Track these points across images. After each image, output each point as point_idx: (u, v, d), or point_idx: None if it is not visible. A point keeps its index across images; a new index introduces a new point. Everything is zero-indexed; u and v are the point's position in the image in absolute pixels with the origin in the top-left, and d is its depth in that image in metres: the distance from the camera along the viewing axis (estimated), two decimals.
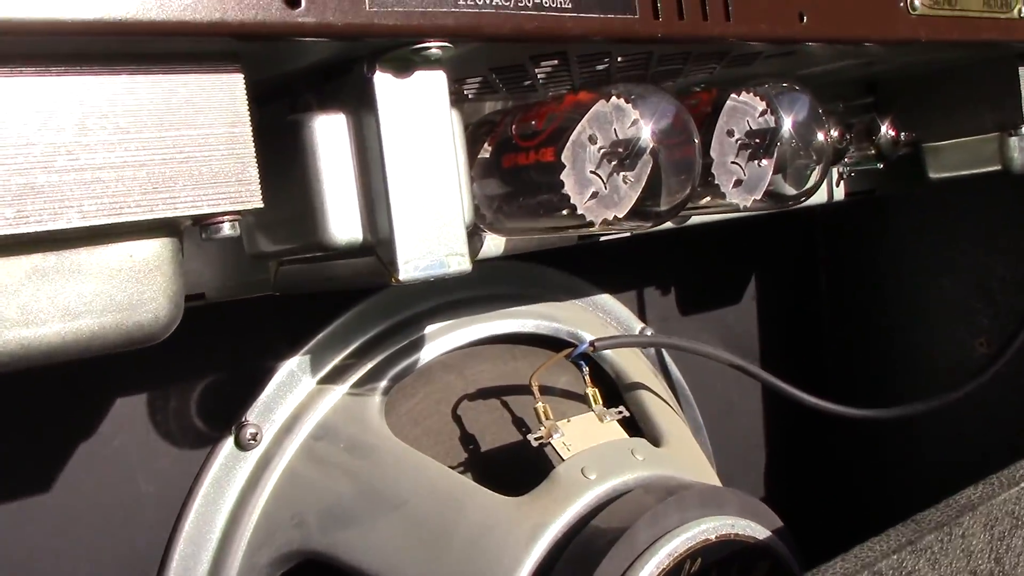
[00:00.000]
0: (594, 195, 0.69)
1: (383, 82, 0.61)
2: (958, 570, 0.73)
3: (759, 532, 0.83)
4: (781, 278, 1.46)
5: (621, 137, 0.69)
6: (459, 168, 0.66)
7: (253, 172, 0.55)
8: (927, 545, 0.71)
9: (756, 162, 0.80)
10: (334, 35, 0.55)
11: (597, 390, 0.91)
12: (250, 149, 0.55)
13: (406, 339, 0.98)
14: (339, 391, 0.95)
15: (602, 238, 1.04)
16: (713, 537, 0.80)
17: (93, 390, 0.88)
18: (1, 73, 0.48)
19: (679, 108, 0.73)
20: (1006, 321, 1.29)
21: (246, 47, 0.54)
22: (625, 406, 0.94)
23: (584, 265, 1.17)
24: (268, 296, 0.81)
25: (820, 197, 1.16)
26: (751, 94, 0.80)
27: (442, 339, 0.99)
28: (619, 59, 0.76)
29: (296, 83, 0.67)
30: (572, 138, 0.68)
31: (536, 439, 0.85)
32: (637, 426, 1.00)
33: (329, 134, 0.63)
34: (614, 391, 1.05)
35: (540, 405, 0.87)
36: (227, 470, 0.92)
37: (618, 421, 0.90)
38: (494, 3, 0.60)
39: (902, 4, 0.83)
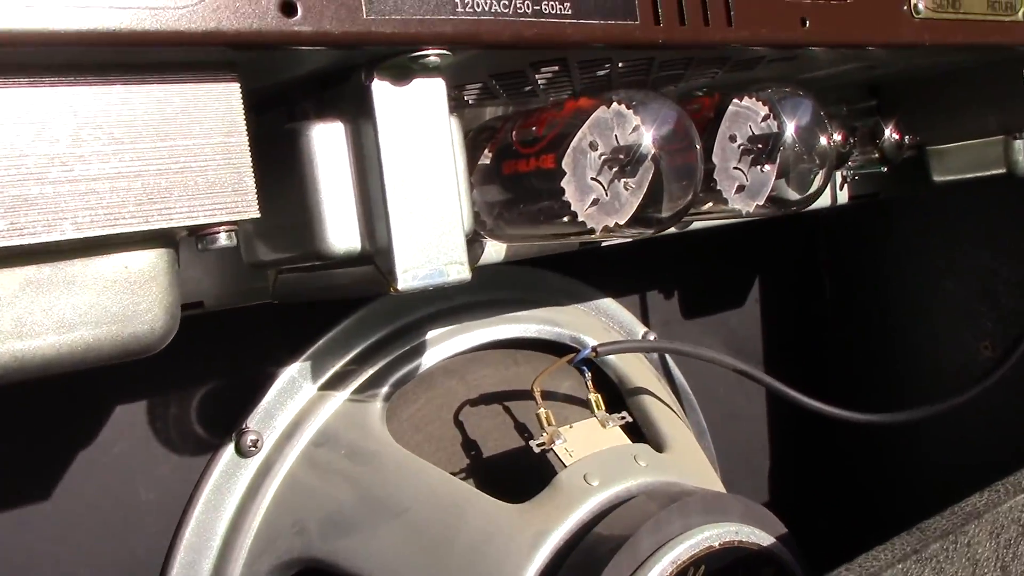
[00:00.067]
0: (595, 202, 0.69)
1: (381, 90, 0.60)
2: None
3: (763, 539, 0.82)
4: (784, 281, 1.46)
5: (622, 143, 0.69)
6: (458, 176, 0.65)
7: (249, 182, 0.54)
8: (932, 554, 0.71)
9: (759, 167, 0.80)
10: (331, 43, 0.54)
11: (600, 395, 0.91)
12: (246, 159, 0.54)
13: (407, 344, 0.98)
14: (340, 397, 0.95)
15: (604, 243, 1.04)
16: (717, 544, 0.79)
17: (93, 397, 0.88)
18: None
19: (680, 114, 0.72)
20: (1010, 324, 1.28)
21: (242, 56, 0.54)
22: (628, 411, 0.93)
23: (586, 269, 1.16)
24: (268, 303, 0.81)
25: (823, 201, 1.16)
26: (753, 99, 0.79)
27: (444, 344, 0.98)
28: (620, 65, 0.76)
29: (293, 91, 0.66)
30: (573, 144, 0.68)
31: (538, 445, 0.85)
32: (640, 431, 0.99)
33: (327, 143, 0.62)
34: (617, 396, 1.04)
35: (542, 411, 0.86)
36: (227, 477, 0.92)
37: (621, 427, 0.90)
38: (493, 10, 0.59)
39: (905, 8, 0.83)
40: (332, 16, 0.53)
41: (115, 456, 0.89)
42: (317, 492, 0.90)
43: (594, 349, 0.91)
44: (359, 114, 0.62)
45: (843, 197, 1.19)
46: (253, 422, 0.93)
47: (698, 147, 0.73)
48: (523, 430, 0.95)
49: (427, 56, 0.59)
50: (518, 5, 0.60)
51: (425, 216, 0.62)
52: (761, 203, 0.80)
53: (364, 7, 0.54)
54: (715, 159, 0.78)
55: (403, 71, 0.61)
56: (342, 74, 0.62)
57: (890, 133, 1.12)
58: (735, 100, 0.79)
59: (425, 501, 0.85)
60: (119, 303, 0.53)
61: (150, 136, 0.51)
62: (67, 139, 0.49)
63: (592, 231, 0.69)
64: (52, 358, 0.51)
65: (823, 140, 0.85)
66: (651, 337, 1.23)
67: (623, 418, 0.90)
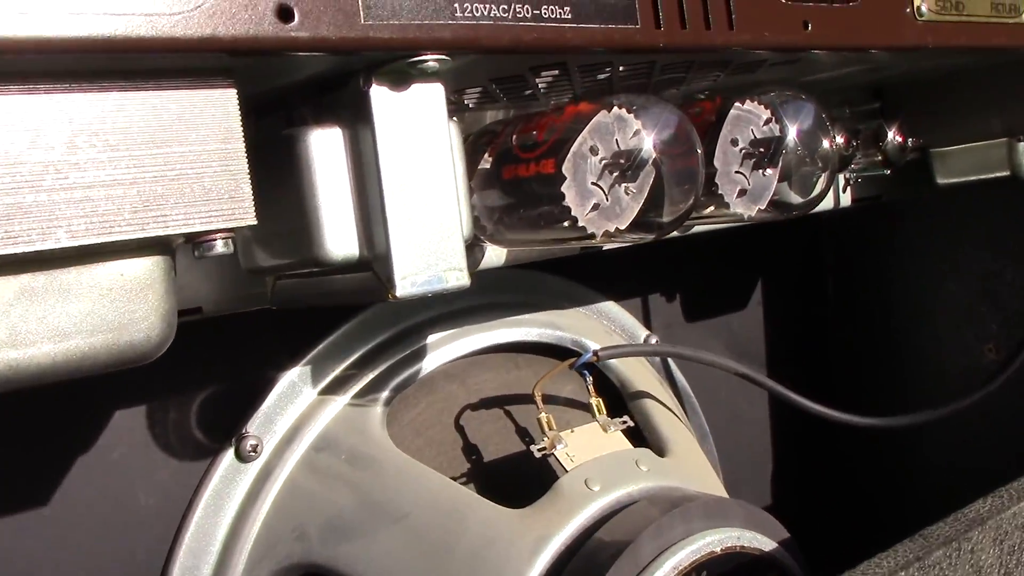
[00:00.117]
0: (595, 207, 0.68)
1: (379, 95, 0.60)
2: None
3: (765, 544, 0.82)
4: (787, 284, 1.45)
5: (623, 148, 0.68)
6: (457, 182, 0.65)
7: (246, 189, 0.54)
8: (935, 561, 0.70)
9: (760, 171, 0.79)
10: (328, 49, 0.54)
11: (601, 399, 0.90)
12: (243, 165, 0.54)
13: (408, 349, 0.97)
14: (340, 402, 0.94)
15: (605, 247, 1.03)
16: (718, 550, 0.79)
17: (92, 402, 0.88)
18: None
19: (681, 118, 0.72)
20: (1014, 326, 1.28)
21: (239, 62, 0.53)
22: (630, 415, 0.93)
23: (588, 272, 1.16)
24: (267, 308, 0.80)
25: (826, 204, 1.15)
26: (755, 102, 0.79)
27: (445, 348, 0.98)
28: (621, 69, 0.75)
29: (292, 96, 0.66)
30: (573, 149, 0.67)
31: (539, 450, 0.84)
32: (642, 435, 0.99)
33: (325, 148, 0.62)
34: (619, 399, 1.04)
35: (543, 415, 0.86)
36: (227, 482, 0.92)
37: (622, 431, 0.89)
38: (492, 15, 0.59)
39: (908, 10, 0.82)
40: (329, 22, 0.53)
41: (115, 461, 0.89)
42: (317, 497, 0.90)
43: (595, 353, 0.91)
44: (357, 119, 0.61)
45: (846, 199, 1.19)
46: (253, 427, 0.93)
47: (699, 151, 0.73)
48: (524, 434, 0.95)
49: (425, 61, 0.58)
50: (517, 10, 0.60)
51: (424, 222, 0.62)
52: (763, 207, 0.80)
53: (362, 12, 0.54)
54: (717, 163, 0.78)
55: (401, 76, 0.60)
56: (340, 79, 0.61)
57: (893, 136, 1.12)
58: (737, 104, 0.79)
59: (425, 506, 0.85)
60: (115, 311, 0.53)
61: (146, 143, 0.51)
62: (62, 146, 0.49)
63: (592, 236, 0.69)
64: (47, 367, 0.51)
65: (825, 143, 0.85)
66: (653, 340, 1.23)
67: (624, 422, 0.90)
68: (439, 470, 0.89)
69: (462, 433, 0.95)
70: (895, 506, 1.43)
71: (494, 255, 0.89)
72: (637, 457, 0.88)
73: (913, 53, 0.87)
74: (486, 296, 1.05)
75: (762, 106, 0.79)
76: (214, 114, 0.53)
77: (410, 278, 0.62)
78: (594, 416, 0.89)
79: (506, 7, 0.60)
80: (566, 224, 0.69)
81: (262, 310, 0.81)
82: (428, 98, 0.62)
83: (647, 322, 1.26)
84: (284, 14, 0.51)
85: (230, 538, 0.91)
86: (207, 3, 0.49)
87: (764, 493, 1.43)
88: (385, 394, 0.93)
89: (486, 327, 1.00)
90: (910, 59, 0.95)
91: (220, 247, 0.54)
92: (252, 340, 0.93)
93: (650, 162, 0.69)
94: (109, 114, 0.50)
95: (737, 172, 0.79)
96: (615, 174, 0.68)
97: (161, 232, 0.51)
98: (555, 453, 0.84)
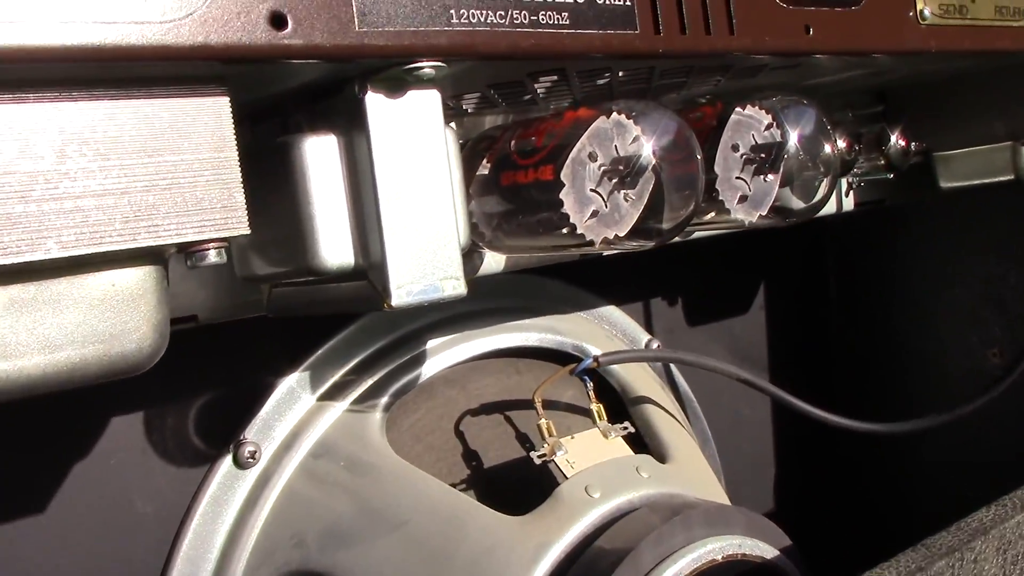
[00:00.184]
0: (594, 214, 0.68)
1: (375, 102, 0.59)
2: None
3: (767, 551, 0.82)
4: (790, 288, 1.45)
5: (622, 154, 0.68)
6: (454, 189, 0.64)
7: (239, 198, 0.53)
8: (938, 572, 0.70)
9: (762, 177, 0.79)
10: (322, 57, 0.53)
11: (602, 405, 0.90)
12: (236, 174, 0.53)
13: (408, 354, 0.97)
14: (339, 408, 0.94)
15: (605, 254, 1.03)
16: (719, 557, 0.78)
17: (89, 408, 0.87)
18: None
19: (681, 124, 0.71)
20: (1018, 331, 1.27)
21: (232, 70, 0.53)
22: (631, 421, 0.92)
23: (589, 276, 1.16)
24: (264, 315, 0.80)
25: (829, 208, 1.15)
26: (756, 108, 0.78)
27: (444, 353, 0.97)
28: (620, 74, 0.75)
29: (287, 102, 0.65)
30: (572, 156, 0.67)
31: (539, 456, 0.84)
32: (643, 441, 0.98)
33: (319, 156, 0.61)
34: (620, 405, 1.03)
35: (543, 422, 0.86)
36: (225, 489, 0.91)
37: (623, 437, 0.89)
38: (489, 21, 0.58)
39: (911, 14, 0.82)
40: (323, 29, 0.52)
41: (112, 468, 0.89)
42: (316, 504, 0.89)
43: (596, 359, 0.90)
44: (352, 127, 0.61)
45: (849, 204, 1.18)
46: (251, 433, 0.92)
47: (699, 157, 0.72)
48: (524, 440, 0.95)
49: (421, 68, 0.58)
50: (514, 15, 0.59)
51: (420, 231, 0.61)
52: (764, 213, 0.79)
53: (356, 19, 0.53)
54: (717, 169, 0.77)
55: (397, 83, 0.60)
56: (335, 86, 0.61)
57: (896, 140, 1.11)
58: (738, 109, 0.78)
59: (425, 513, 0.85)
60: (106, 322, 0.52)
61: (137, 152, 0.51)
62: (52, 156, 0.48)
63: (591, 243, 0.68)
64: (37, 378, 0.51)
65: (827, 148, 0.84)
66: (655, 345, 1.22)
67: (625, 428, 0.89)
68: (439, 476, 0.88)
69: (462, 439, 0.95)
70: (898, 512, 1.43)
71: (493, 261, 0.88)
72: (638, 464, 0.87)
73: (916, 57, 0.86)
74: (486, 301, 1.05)
75: (763, 111, 0.79)
76: (207, 122, 0.52)
77: (406, 287, 0.61)
78: (595, 422, 0.89)
79: (503, 13, 0.59)
80: (565, 231, 0.68)
81: (260, 315, 0.80)
82: (424, 105, 0.61)
83: (649, 326, 1.26)
84: (277, 21, 0.51)
85: (228, 545, 0.91)
86: (199, 11, 0.48)
87: (766, 498, 1.43)
88: (384, 400, 0.93)
89: (486, 332, 1.00)
90: (913, 63, 0.94)
91: (213, 257, 0.53)
92: (250, 346, 0.92)
93: (649, 168, 0.68)
94: (100, 123, 0.50)
95: (738, 178, 0.78)
96: (614, 180, 0.68)
97: (152, 242, 0.51)
98: (555, 459, 0.84)
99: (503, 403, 0.97)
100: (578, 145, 0.67)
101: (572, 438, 0.86)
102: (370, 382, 0.95)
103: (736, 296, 1.40)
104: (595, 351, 1.01)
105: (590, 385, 0.90)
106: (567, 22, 0.62)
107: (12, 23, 0.44)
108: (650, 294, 1.27)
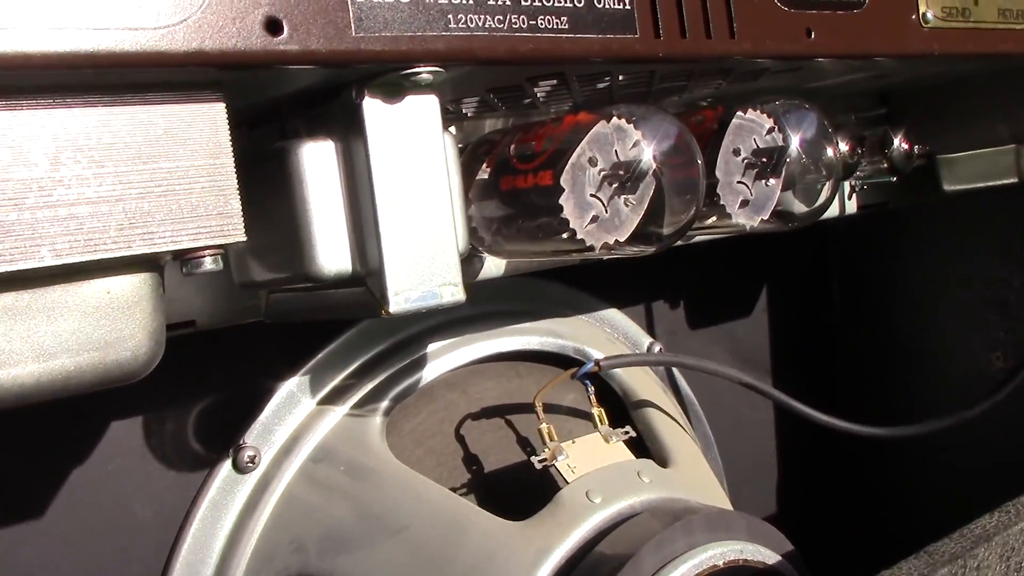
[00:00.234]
0: (594, 219, 0.67)
1: (372, 108, 0.59)
2: None
3: (768, 556, 0.81)
4: (792, 291, 1.45)
5: (622, 159, 0.67)
6: (452, 195, 0.64)
7: (235, 204, 0.53)
8: None
9: (763, 181, 0.78)
10: (319, 63, 0.53)
11: (603, 409, 0.90)
12: (232, 181, 0.53)
13: (408, 358, 0.96)
14: (339, 412, 0.93)
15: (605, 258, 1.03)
16: (721, 563, 0.78)
17: (88, 413, 0.87)
18: None
19: (681, 128, 0.71)
20: (1022, 334, 1.27)
21: (227, 75, 0.52)
22: (632, 425, 0.92)
23: (591, 279, 1.15)
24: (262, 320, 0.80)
25: (832, 211, 1.15)
26: (758, 111, 0.78)
27: (445, 357, 0.97)
28: (620, 78, 0.74)
29: (284, 107, 0.65)
30: (571, 161, 0.66)
31: (540, 461, 0.84)
32: (644, 446, 0.98)
33: (317, 162, 0.61)
34: (621, 408, 1.03)
35: (544, 426, 0.86)
36: (225, 493, 0.91)
37: (624, 441, 0.89)
38: (487, 25, 0.58)
39: (914, 17, 0.81)
40: (319, 34, 0.52)
41: (111, 473, 0.88)
42: (315, 509, 0.89)
43: (597, 363, 0.90)
44: (350, 132, 0.60)
45: (852, 206, 1.18)
46: (251, 438, 0.92)
47: (700, 161, 0.72)
48: (525, 444, 0.94)
49: (419, 73, 0.57)
50: (513, 20, 0.59)
51: (418, 237, 0.61)
52: (766, 218, 0.79)
53: (353, 25, 0.53)
54: (718, 173, 0.77)
55: (395, 88, 0.59)
56: (332, 91, 0.60)
57: (899, 142, 1.11)
58: (739, 113, 0.78)
59: (425, 518, 0.84)
60: (101, 330, 0.52)
61: (132, 159, 0.50)
62: (46, 163, 0.48)
63: (591, 249, 0.68)
64: (32, 387, 0.50)
65: (829, 152, 0.83)
66: (656, 348, 1.22)
67: (627, 432, 0.89)
68: (439, 481, 0.88)
69: (462, 443, 0.94)
70: (901, 517, 1.42)
71: (493, 265, 0.88)
72: (639, 468, 0.87)
73: (919, 60, 0.85)
74: (487, 304, 1.04)
75: (765, 115, 0.78)
76: (202, 129, 0.52)
77: (404, 294, 0.61)
78: (596, 426, 0.88)
79: (501, 18, 0.59)
80: (564, 236, 0.68)
81: (259, 320, 0.80)
82: (422, 110, 0.61)
83: (651, 330, 1.25)
84: (273, 27, 0.51)
85: (227, 550, 0.90)
86: (193, 16, 0.48)
87: (769, 503, 1.42)
88: (385, 404, 0.92)
89: (487, 335, 0.99)
90: (916, 66, 0.94)
91: (209, 264, 0.53)
92: (250, 350, 0.92)
93: (650, 173, 0.68)
94: (94, 129, 0.49)
95: (739, 182, 0.78)
96: (614, 185, 0.67)
97: (148, 250, 0.50)
98: (556, 464, 0.84)
99: (504, 407, 0.97)
100: (578, 150, 0.66)
101: (573, 442, 0.86)
102: (370, 386, 0.94)
103: (738, 298, 1.39)
104: (596, 354, 1.01)
105: (591, 389, 0.89)
106: (566, 26, 0.61)
107: (5, 29, 0.44)
108: (652, 297, 1.26)
